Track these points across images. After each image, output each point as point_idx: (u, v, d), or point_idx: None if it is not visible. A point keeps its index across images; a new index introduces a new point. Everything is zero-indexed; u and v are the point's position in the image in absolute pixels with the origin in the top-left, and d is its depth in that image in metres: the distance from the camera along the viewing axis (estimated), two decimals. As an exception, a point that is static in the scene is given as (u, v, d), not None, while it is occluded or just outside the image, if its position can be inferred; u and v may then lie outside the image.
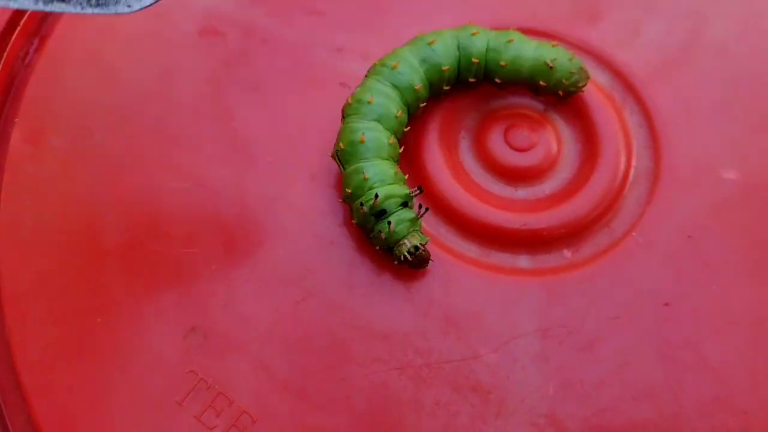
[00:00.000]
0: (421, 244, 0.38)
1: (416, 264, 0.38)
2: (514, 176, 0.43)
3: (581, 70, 0.42)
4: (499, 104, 0.45)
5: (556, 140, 0.43)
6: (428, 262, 0.39)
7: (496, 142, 0.43)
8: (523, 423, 0.36)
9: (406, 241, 0.38)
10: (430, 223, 0.41)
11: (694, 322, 0.39)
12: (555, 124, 0.44)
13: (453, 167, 0.42)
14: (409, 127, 0.42)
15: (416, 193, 0.39)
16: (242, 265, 0.40)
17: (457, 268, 0.40)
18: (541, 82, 0.42)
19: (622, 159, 0.42)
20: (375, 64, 0.42)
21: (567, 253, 0.41)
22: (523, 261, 0.41)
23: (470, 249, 0.41)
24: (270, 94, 0.44)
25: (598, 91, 0.44)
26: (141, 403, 0.37)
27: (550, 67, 0.42)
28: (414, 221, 0.38)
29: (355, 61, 0.45)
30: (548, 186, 0.43)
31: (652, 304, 0.39)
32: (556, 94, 0.43)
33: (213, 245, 0.40)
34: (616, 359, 0.38)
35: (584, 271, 0.40)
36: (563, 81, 0.42)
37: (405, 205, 0.38)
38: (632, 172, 0.42)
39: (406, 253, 0.38)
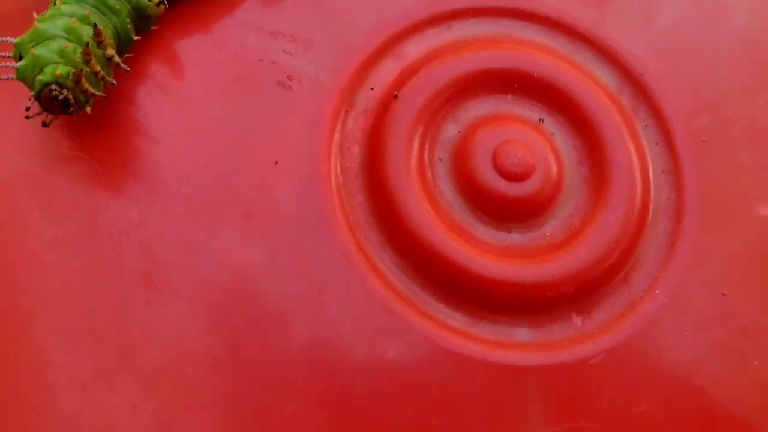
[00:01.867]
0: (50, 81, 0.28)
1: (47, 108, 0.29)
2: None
3: None
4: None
5: (555, 162, 0.33)
6: (68, 110, 0.29)
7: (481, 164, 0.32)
8: None
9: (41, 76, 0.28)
10: (400, 277, 0.30)
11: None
12: (552, 140, 0.34)
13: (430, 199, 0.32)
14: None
15: None
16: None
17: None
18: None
19: (638, 189, 0.33)
20: None
21: (577, 320, 0.31)
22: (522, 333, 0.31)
23: (454, 317, 0.30)
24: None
25: (602, 93, 0.34)
26: None
27: None
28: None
29: None
30: (549, 227, 0.32)
31: (687, 389, 0.30)
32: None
33: None
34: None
35: (598, 342, 0.31)
36: None
37: None
38: (651, 206, 0.33)
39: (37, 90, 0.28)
